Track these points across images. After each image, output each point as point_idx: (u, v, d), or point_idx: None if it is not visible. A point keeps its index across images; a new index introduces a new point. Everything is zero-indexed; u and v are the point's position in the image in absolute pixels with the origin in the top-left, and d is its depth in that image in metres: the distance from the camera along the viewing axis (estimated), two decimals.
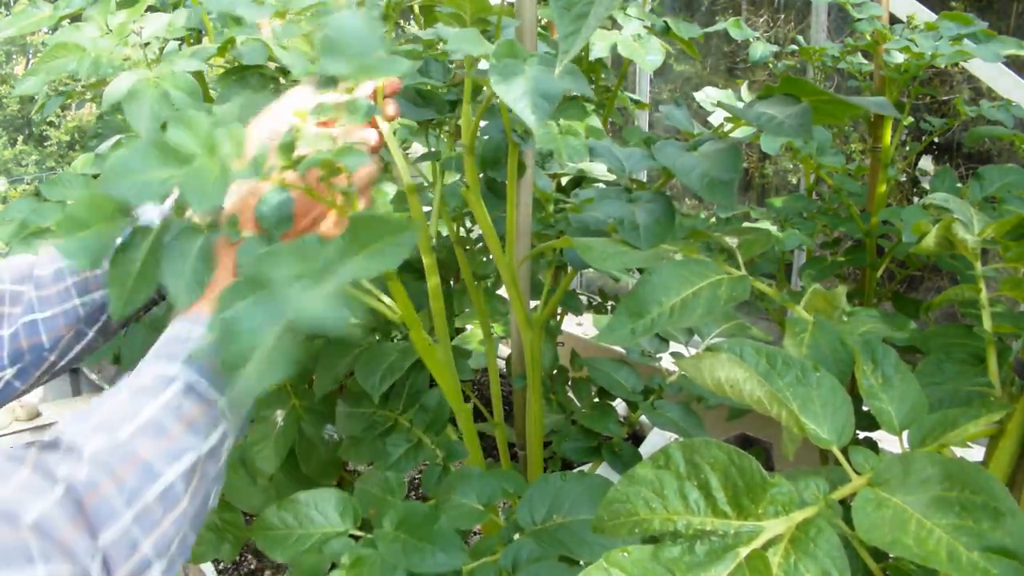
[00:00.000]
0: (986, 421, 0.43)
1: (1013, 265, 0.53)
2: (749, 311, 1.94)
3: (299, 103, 0.58)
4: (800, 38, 1.41)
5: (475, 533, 1.19)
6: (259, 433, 1.02)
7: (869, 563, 0.42)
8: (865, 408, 0.50)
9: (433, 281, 0.75)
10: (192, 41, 1.04)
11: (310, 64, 0.62)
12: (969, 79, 1.71)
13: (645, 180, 1.70)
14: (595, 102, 1.21)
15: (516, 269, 0.77)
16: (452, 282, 1.21)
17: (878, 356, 0.50)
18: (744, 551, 0.35)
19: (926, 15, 1.27)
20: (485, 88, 0.71)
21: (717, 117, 1.17)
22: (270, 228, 0.53)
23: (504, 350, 1.69)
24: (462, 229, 1.15)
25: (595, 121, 0.92)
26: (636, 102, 1.46)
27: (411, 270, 0.90)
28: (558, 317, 1.38)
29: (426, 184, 1.06)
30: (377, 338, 0.98)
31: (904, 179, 1.78)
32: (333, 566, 0.65)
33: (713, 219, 1.35)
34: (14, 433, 2.49)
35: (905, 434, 0.46)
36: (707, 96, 1.17)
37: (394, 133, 0.68)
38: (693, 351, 0.95)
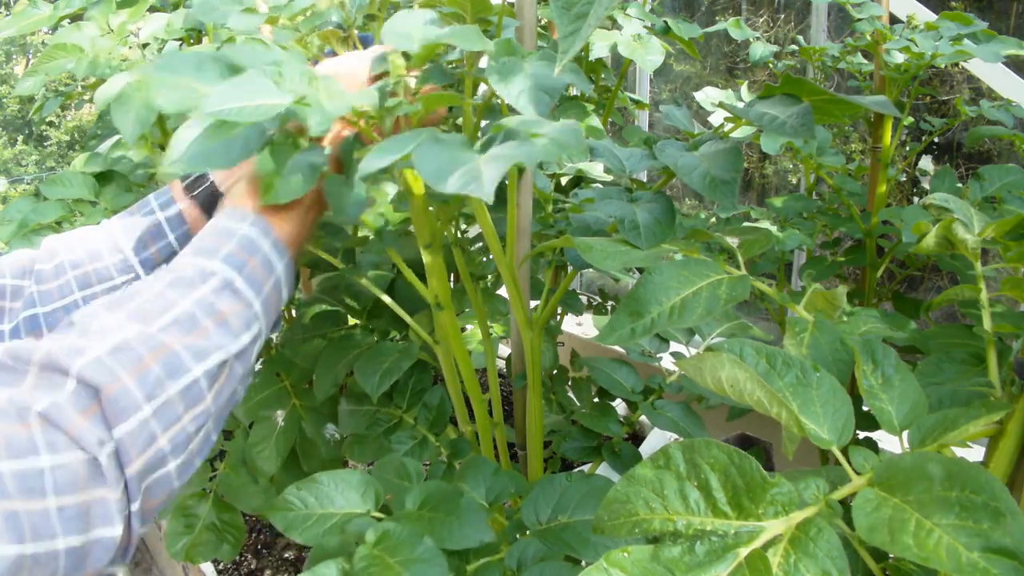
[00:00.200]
0: (986, 421, 0.43)
1: (1013, 265, 0.53)
2: (749, 311, 1.94)
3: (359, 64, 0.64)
4: (800, 38, 1.41)
5: None
6: (260, 433, 1.02)
7: (869, 563, 0.42)
8: (865, 408, 0.50)
9: (438, 264, 0.75)
10: (192, 41, 1.04)
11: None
12: (969, 79, 1.71)
13: (645, 180, 1.70)
14: (595, 101, 1.21)
15: (516, 269, 0.77)
16: (452, 282, 1.21)
17: (878, 356, 0.50)
18: (744, 551, 0.35)
19: (926, 15, 1.27)
20: (485, 87, 0.71)
21: (717, 117, 1.17)
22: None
23: (504, 350, 1.69)
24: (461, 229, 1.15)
25: (595, 121, 0.92)
26: (636, 102, 1.46)
27: (418, 263, 0.90)
28: (558, 317, 1.38)
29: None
30: (376, 339, 0.98)
31: (904, 179, 1.78)
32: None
33: (713, 219, 1.35)
34: None
35: (905, 434, 0.46)
36: (707, 96, 1.16)
37: None
38: (693, 351, 0.95)
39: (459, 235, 0.98)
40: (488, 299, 1.06)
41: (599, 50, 1.05)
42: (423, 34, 0.61)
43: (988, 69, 1.33)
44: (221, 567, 1.29)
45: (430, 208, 0.71)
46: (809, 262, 1.24)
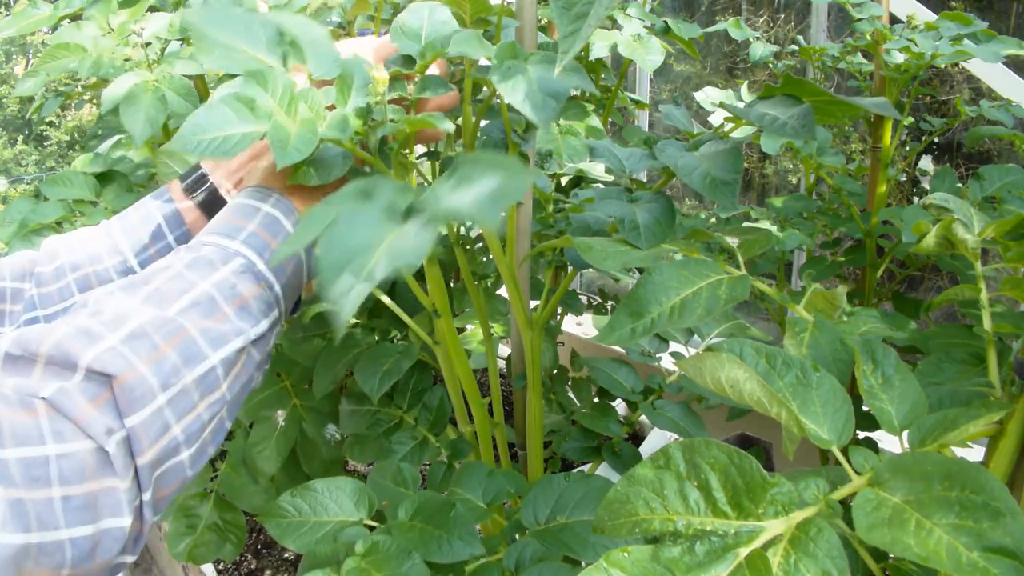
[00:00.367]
0: (986, 421, 0.43)
1: (1013, 265, 0.53)
2: (749, 311, 1.94)
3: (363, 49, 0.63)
4: (800, 38, 1.41)
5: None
6: (260, 433, 1.02)
7: (869, 563, 0.42)
8: (865, 408, 0.50)
9: (434, 274, 0.75)
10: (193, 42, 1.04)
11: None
12: (969, 79, 1.71)
13: (645, 180, 1.70)
14: (597, 100, 1.21)
15: (516, 269, 0.77)
16: (452, 282, 1.21)
17: (878, 356, 0.50)
18: (744, 551, 0.35)
19: (926, 15, 1.27)
20: (485, 88, 0.71)
21: (717, 117, 1.17)
22: None
23: (504, 350, 1.69)
24: (461, 229, 1.15)
25: (595, 121, 0.92)
26: (636, 102, 1.46)
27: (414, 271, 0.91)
28: (558, 317, 1.38)
29: (427, 184, 1.06)
30: (376, 339, 0.98)
31: (904, 179, 1.78)
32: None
33: (713, 219, 1.35)
34: None
35: (905, 434, 0.46)
36: (707, 96, 1.17)
37: None
38: (693, 351, 0.95)
39: (460, 235, 0.98)
40: (488, 299, 1.07)
41: (599, 50, 1.05)
42: (433, 33, 0.61)
43: (988, 69, 1.33)
44: (221, 567, 1.29)
45: None
46: (809, 262, 1.24)
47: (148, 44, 0.90)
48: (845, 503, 0.39)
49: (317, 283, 0.35)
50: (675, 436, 1.11)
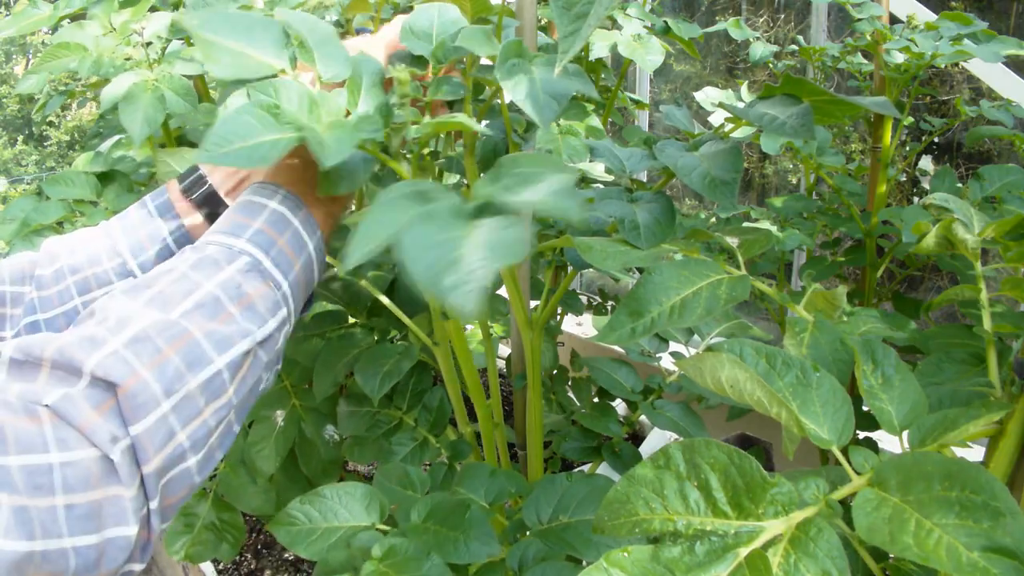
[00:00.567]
0: (986, 421, 0.43)
1: (1013, 265, 0.53)
2: (749, 311, 1.94)
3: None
4: (800, 38, 1.41)
5: None
6: (259, 433, 1.02)
7: (869, 563, 0.42)
8: (865, 408, 0.50)
9: None
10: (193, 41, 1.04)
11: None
12: (969, 79, 1.71)
13: (645, 180, 1.70)
14: (597, 102, 1.21)
15: (516, 269, 0.77)
16: None
17: (878, 356, 0.50)
18: (744, 551, 0.35)
19: (926, 15, 1.27)
20: (487, 88, 0.71)
21: (717, 117, 1.17)
22: None
23: (504, 350, 1.69)
24: None
25: (595, 121, 0.92)
26: (636, 102, 1.46)
27: None
28: (558, 317, 1.38)
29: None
30: (376, 339, 0.98)
31: (904, 179, 1.78)
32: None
33: (713, 219, 1.35)
34: None
35: (905, 434, 0.46)
36: (707, 96, 1.17)
37: None
38: (693, 351, 0.95)
39: None
40: (488, 299, 1.06)
41: (599, 50, 1.05)
42: (443, 34, 0.61)
43: (988, 69, 1.33)
44: (221, 567, 1.29)
45: None
46: (809, 262, 1.24)
47: (149, 44, 0.90)
48: (845, 503, 0.39)
49: (413, 286, 0.35)
50: (675, 436, 1.11)
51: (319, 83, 0.55)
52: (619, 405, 0.99)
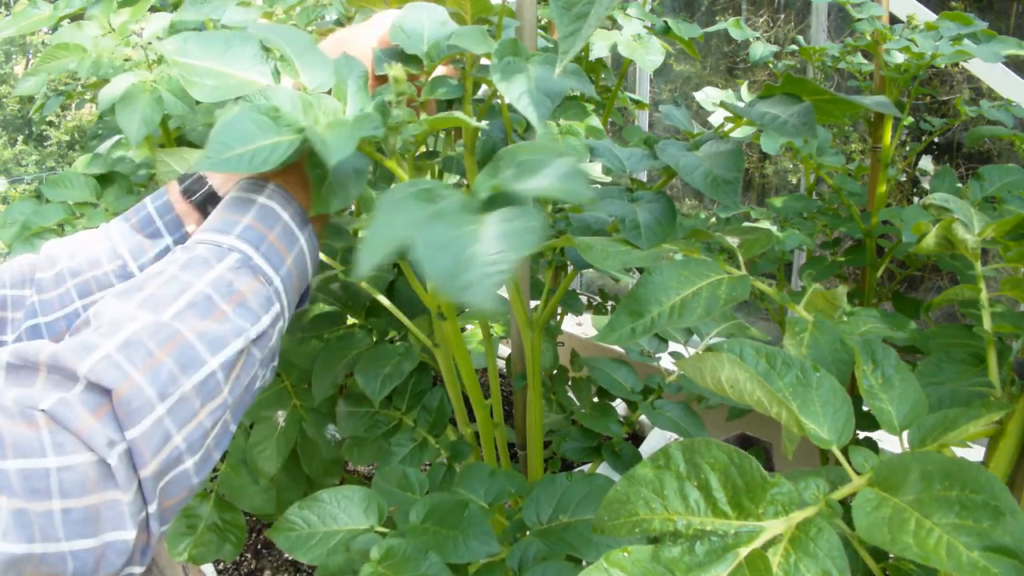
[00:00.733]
0: (986, 421, 0.43)
1: (1013, 265, 0.53)
2: (749, 311, 1.94)
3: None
4: (800, 38, 1.41)
5: None
6: (261, 433, 1.02)
7: (869, 563, 0.42)
8: (865, 408, 0.50)
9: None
10: None
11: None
12: (969, 79, 1.71)
13: (645, 180, 1.70)
14: (597, 102, 1.21)
15: (516, 269, 0.77)
16: None
17: (878, 356, 0.50)
18: (744, 551, 0.35)
19: (926, 15, 1.27)
20: (486, 87, 0.71)
21: (717, 117, 1.17)
22: None
23: (504, 350, 1.69)
24: None
25: (595, 121, 0.92)
26: (636, 102, 1.46)
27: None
28: (558, 317, 1.38)
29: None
30: (375, 340, 0.98)
31: (904, 179, 1.78)
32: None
33: (713, 219, 1.35)
34: None
35: (905, 434, 0.46)
36: (707, 96, 1.17)
37: None
38: (693, 351, 0.95)
39: None
40: None
41: (599, 50, 1.05)
42: (435, 37, 0.60)
43: (988, 69, 1.33)
44: (221, 567, 1.29)
45: None
46: (809, 262, 1.24)
47: (148, 44, 0.90)
48: (845, 503, 0.39)
49: (431, 285, 0.35)
50: (675, 436, 1.11)
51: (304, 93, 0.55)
52: (619, 405, 0.99)
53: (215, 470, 1.10)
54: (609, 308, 1.51)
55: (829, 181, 1.22)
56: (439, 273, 0.35)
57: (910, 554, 0.33)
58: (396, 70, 0.55)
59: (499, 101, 0.72)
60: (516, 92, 0.57)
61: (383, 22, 0.65)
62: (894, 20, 1.18)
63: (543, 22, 1.14)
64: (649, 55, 1.03)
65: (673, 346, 1.01)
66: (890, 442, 0.47)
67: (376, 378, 0.89)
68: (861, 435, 0.72)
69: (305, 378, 1.04)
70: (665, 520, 0.37)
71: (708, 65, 2.24)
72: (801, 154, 1.18)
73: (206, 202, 0.64)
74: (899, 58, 1.12)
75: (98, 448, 0.40)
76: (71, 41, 0.90)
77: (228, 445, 0.50)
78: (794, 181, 2.11)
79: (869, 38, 1.14)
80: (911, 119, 1.30)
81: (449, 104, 0.87)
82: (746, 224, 1.14)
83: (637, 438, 1.51)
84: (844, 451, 0.43)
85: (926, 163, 1.75)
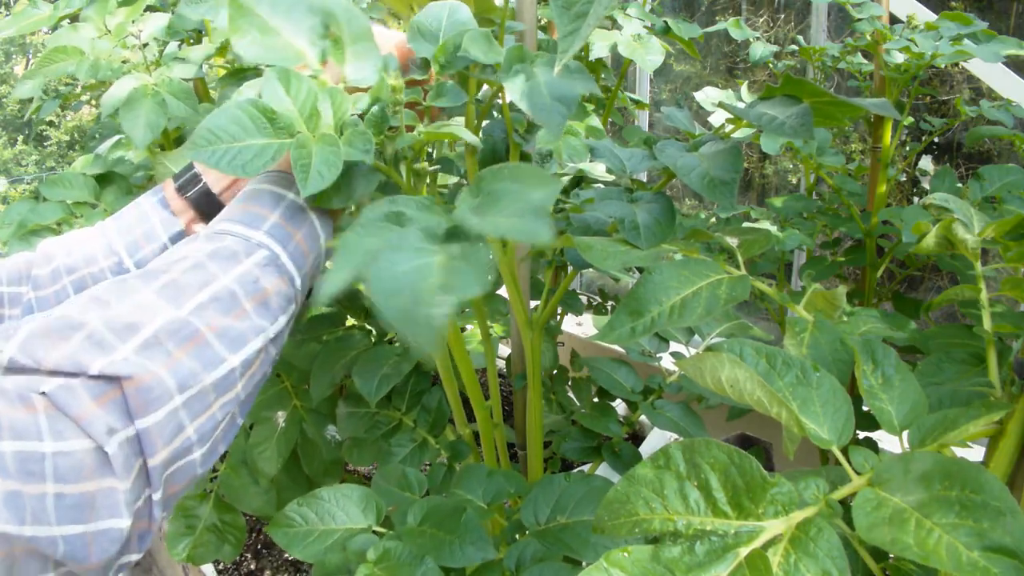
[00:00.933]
0: (986, 421, 0.43)
1: (1013, 265, 0.53)
2: (749, 311, 1.94)
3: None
4: (800, 38, 1.41)
5: None
6: (261, 434, 1.02)
7: (869, 563, 0.42)
8: (865, 408, 0.50)
9: None
10: (192, 42, 1.04)
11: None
12: (969, 79, 1.71)
13: (645, 180, 1.70)
14: (597, 101, 1.21)
15: (516, 269, 0.77)
16: None
17: (878, 356, 0.50)
18: (744, 551, 0.35)
19: (926, 15, 1.27)
20: (487, 87, 0.71)
21: (717, 117, 1.17)
22: None
23: (504, 350, 1.69)
24: None
25: (595, 121, 0.92)
26: (636, 102, 1.46)
27: None
28: (558, 317, 1.38)
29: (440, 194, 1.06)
30: (374, 340, 0.98)
31: (904, 179, 1.78)
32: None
33: (713, 219, 1.35)
34: None
35: (905, 434, 0.46)
36: (707, 96, 1.17)
37: None
38: (693, 351, 0.95)
39: None
40: (488, 299, 1.06)
41: (599, 50, 1.05)
42: (449, 31, 0.58)
43: (988, 69, 1.33)
44: (221, 567, 1.29)
45: None
46: (809, 262, 1.24)
47: (146, 45, 0.90)
48: (845, 503, 0.39)
49: (376, 312, 0.33)
50: (675, 436, 1.11)
51: (343, 84, 0.53)
52: (619, 405, 0.99)
53: (214, 470, 1.10)
54: (609, 308, 1.51)
55: (829, 181, 1.22)
56: (387, 311, 0.33)
57: (910, 554, 0.33)
58: (393, 79, 0.54)
59: (500, 101, 0.72)
60: (528, 101, 0.56)
61: (397, 34, 0.64)
62: (894, 20, 1.18)
63: (543, 22, 1.14)
64: (649, 55, 1.03)
65: (674, 346, 1.01)
66: (890, 442, 0.47)
67: (373, 378, 0.88)
68: (861, 435, 0.72)
69: (305, 379, 1.04)
70: (665, 520, 0.37)
71: (708, 65, 2.24)
72: (801, 154, 1.18)
73: (201, 199, 0.64)
74: (899, 58, 1.12)
75: (96, 435, 0.40)
76: (68, 43, 0.90)
77: (232, 440, 0.50)
78: (794, 181, 2.11)
79: (869, 38, 1.14)
80: (911, 119, 1.30)
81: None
82: (746, 224, 1.14)
83: (637, 438, 1.51)
84: (844, 451, 0.43)
85: (926, 163, 1.75)
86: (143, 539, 0.44)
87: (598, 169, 1.00)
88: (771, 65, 1.42)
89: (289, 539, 0.66)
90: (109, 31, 0.92)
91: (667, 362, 0.99)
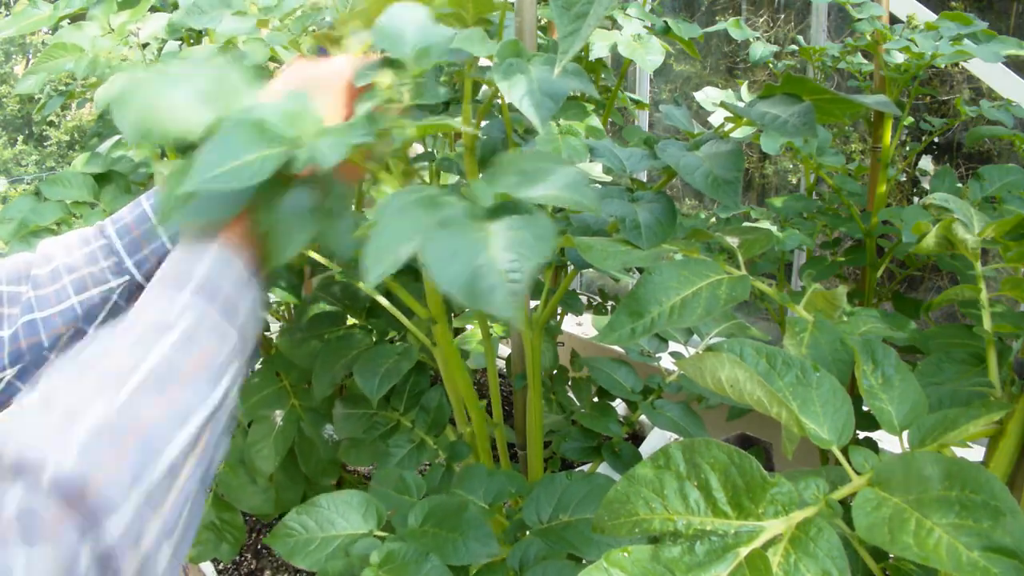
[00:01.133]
0: (986, 421, 0.43)
1: (1013, 265, 0.53)
2: (749, 311, 1.94)
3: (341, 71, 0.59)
4: (800, 38, 1.41)
5: None
6: (259, 432, 1.02)
7: (869, 563, 0.42)
8: (865, 408, 0.50)
9: (431, 287, 0.75)
10: (192, 41, 1.04)
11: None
12: (969, 79, 1.71)
13: (645, 180, 1.70)
14: (597, 101, 1.21)
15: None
16: None
17: (878, 356, 0.50)
18: (744, 551, 0.35)
19: (926, 15, 1.27)
20: (486, 87, 0.71)
21: (717, 117, 1.17)
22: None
23: (504, 350, 1.69)
24: None
25: (595, 121, 0.92)
26: (636, 102, 1.46)
27: (409, 271, 0.90)
28: (558, 317, 1.38)
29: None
30: (374, 340, 0.98)
31: (904, 179, 1.78)
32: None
33: (713, 219, 1.35)
34: None
35: (905, 434, 0.46)
36: (707, 96, 1.17)
37: None
38: (693, 351, 0.95)
39: None
40: None
41: (599, 50, 1.05)
42: (418, 38, 0.58)
43: (988, 69, 1.33)
44: (221, 567, 1.29)
45: None
46: (809, 262, 1.24)
47: (146, 44, 0.90)
48: (845, 503, 0.39)
49: (445, 294, 0.34)
50: (675, 436, 1.11)
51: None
52: (619, 405, 0.99)
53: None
54: (609, 308, 1.51)
55: (829, 181, 1.22)
56: (451, 282, 0.35)
57: (910, 554, 0.33)
58: (384, 76, 0.54)
59: (499, 101, 0.72)
60: (518, 94, 0.57)
61: (347, 65, 0.60)
62: (894, 20, 1.18)
63: (543, 22, 1.14)
64: (649, 55, 1.03)
65: (673, 346, 1.01)
66: (890, 442, 0.47)
67: (374, 376, 0.88)
68: (861, 435, 0.72)
69: (304, 378, 1.04)
70: (665, 520, 0.37)
71: (708, 65, 2.24)
72: (801, 154, 1.18)
73: None
74: (899, 58, 1.12)
75: (66, 556, 0.38)
76: (69, 41, 0.90)
77: (198, 523, 0.48)
78: (794, 181, 2.11)
79: (869, 38, 1.14)
80: (911, 119, 1.30)
81: (446, 106, 0.87)
82: (746, 224, 1.14)
83: (637, 438, 1.51)
84: (844, 451, 0.43)
85: (926, 163, 1.75)
86: None
87: (598, 169, 1.00)
88: (771, 65, 1.42)
89: (290, 548, 0.66)
90: (112, 30, 0.92)
91: (667, 362, 0.99)
